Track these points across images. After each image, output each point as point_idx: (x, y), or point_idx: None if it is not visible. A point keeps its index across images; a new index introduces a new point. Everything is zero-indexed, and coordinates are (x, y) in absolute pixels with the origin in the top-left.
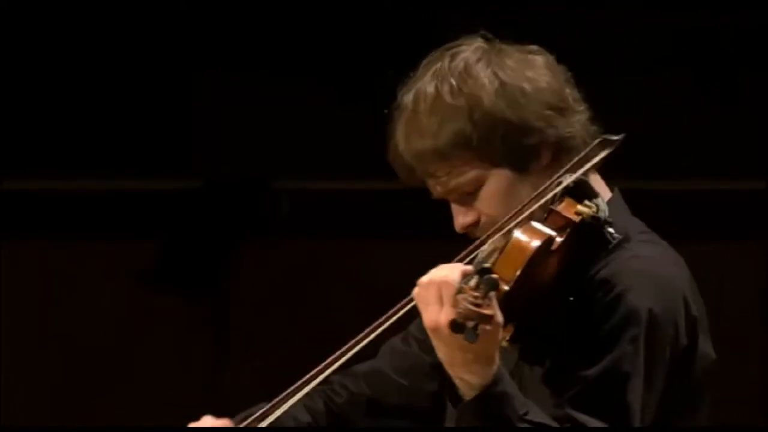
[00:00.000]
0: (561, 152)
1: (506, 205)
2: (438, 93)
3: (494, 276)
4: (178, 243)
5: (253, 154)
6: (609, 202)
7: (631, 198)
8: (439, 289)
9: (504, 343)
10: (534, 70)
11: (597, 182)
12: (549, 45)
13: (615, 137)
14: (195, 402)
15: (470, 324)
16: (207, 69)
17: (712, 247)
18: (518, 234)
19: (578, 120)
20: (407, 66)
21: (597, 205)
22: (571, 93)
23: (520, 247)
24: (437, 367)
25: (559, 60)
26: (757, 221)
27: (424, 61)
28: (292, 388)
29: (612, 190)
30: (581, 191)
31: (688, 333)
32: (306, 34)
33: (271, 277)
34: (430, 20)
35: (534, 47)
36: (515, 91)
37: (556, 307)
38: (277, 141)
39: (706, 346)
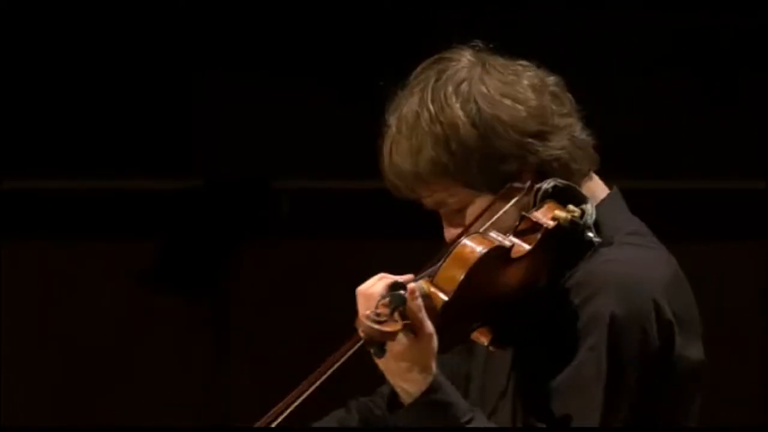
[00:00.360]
0: (545, 174)
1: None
2: (418, 118)
3: (401, 293)
4: (178, 243)
5: (253, 154)
6: (602, 203)
7: (631, 198)
8: (366, 301)
9: (489, 347)
10: (516, 95)
11: (594, 183)
12: (549, 45)
13: (519, 185)
14: (195, 402)
15: (377, 339)
16: (207, 69)
17: (712, 247)
18: (464, 242)
19: (565, 136)
20: (407, 66)
21: (583, 210)
22: (557, 110)
23: (462, 256)
24: (469, 378)
25: (559, 60)
26: (757, 221)
27: (414, 73)
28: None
29: (611, 188)
30: (568, 195)
31: (661, 336)
32: (306, 34)
33: (271, 277)
34: (430, 20)
35: (523, 62)
36: (493, 120)
37: (535, 312)
38: (277, 141)
39: (687, 349)
